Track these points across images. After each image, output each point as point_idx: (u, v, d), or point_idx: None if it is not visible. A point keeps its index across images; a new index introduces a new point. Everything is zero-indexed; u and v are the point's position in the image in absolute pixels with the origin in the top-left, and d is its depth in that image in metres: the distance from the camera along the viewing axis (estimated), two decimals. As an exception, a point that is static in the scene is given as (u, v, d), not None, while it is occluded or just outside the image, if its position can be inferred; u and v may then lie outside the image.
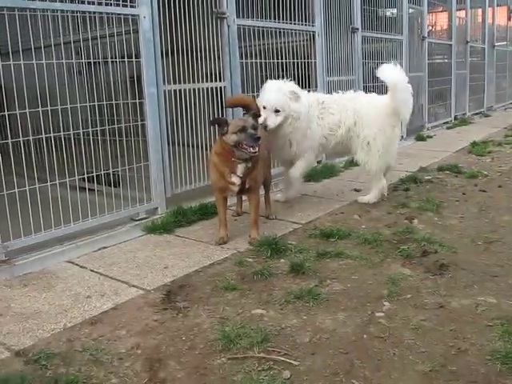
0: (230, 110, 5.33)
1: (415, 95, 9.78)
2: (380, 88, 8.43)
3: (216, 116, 5.26)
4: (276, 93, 4.72)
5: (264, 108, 4.68)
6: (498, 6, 14.63)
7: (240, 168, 4.01)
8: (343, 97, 5.26)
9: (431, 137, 9.85)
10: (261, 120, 4.56)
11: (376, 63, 8.37)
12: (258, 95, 4.94)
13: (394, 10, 9.19)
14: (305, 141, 4.96)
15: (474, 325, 2.80)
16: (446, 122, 11.55)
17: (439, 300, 3.09)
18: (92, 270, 3.72)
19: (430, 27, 11.26)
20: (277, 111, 4.70)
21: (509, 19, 16.06)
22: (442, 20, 11.84)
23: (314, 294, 3.15)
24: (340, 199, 5.43)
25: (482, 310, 2.96)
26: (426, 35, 10.29)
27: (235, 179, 4.04)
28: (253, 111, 4.27)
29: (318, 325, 2.85)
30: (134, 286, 3.43)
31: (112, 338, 2.79)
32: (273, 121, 4.69)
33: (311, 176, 6.07)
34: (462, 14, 12.42)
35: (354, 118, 5.09)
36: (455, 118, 12.02)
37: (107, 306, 3.16)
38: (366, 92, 5.73)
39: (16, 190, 3.82)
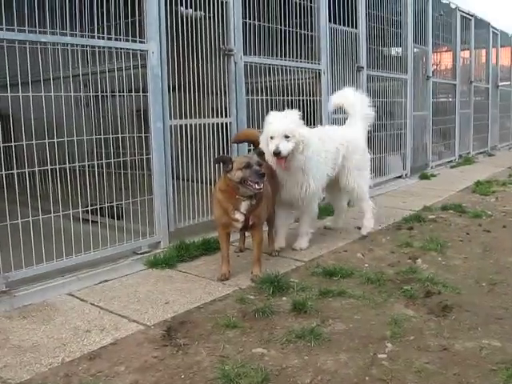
0: (236, 146, 5.37)
1: (419, 134, 9.94)
2: (386, 126, 8.52)
3: (221, 153, 5.28)
4: (282, 120, 4.60)
5: (271, 138, 4.50)
6: (501, 46, 14.80)
7: (244, 205, 4.01)
8: (331, 129, 5.56)
9: (435, 175, 9.86)
10: (272, 148, 4.43)
11: (381, 102, 8.47)
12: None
13: (399, 49, 9.31)
14: (318, 175, 4.91)
15: (477, 368, 2.76)
16: (450, 161, 11.58)
17: (443, 342, 3.05)
18: (92, 304, 3.69)
19: (435, 66, 11.37)
20: (286, 137, 4.49)
21: (512, 60, 16.25)
22: (446, 60, 11.96)
23: (315, 333, 3.11)
24: (343, 237, 5.42)
25: (486, 354, 2.91)
26: (431, 74, 10.39)
27: (239, 216, 4.04)
28: (259, 149, 4.31)
29: (320, 365, 2.81)
30: (134, 320, 3.40)
31: (110, 374, 2.75)
32: (285, 147, 4.45)
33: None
34: (467, 54, 12.56)
35: (347, 146, 5.28)
36: (459, 157, 12.05)
37: (106, 340, 3.12)
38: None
39: (19, 220, 3.82)
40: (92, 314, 3.52)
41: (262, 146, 4.59)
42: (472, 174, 9.96)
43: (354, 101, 5.55)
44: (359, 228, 5.63)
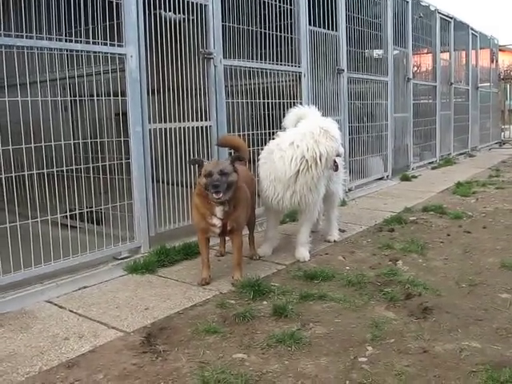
0: (216, 150, 5.33)
1: (400, 135, 9.99)
2: (366, 128, 8.56)
3: (201, 156, 5.22)
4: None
5: None
6: (481, 48, 14.94)
7: (218, 210, 3.98)
8: None
9: (416, 177, 9.90)
10: (335, 149, 4.53)
11: (362, 104, 8.50)
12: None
13: (380, 52, 9.34)
14: (325, 181, 4.92)
15: (457, 370, 2.76)
16: (431, 162, 11.64)
17: (423, 344, 3.05)
18: (71, 311, 3.65)
19: (415, 68, 11.42)
20: None
21: (492, 61, 16.40)
22: (426, 61, 12.03)
23: (296, 337, 3.10)
24: (325, 239, 5.41)
25: (466, 355, 2.92)
26: (411, 76, 10.43)
27: (216, 221, 4.01)
28: (235, 155, 4.28)
29: (300, 370, 2.80)
30: (113, 327, 3.36)
31: (88, 382, 2.71)
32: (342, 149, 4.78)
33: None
34: (446, 56, 12.64)
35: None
36: (440, 158, 12.12)
37: (85, 348, 3.09)
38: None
39: (-4, 226, 3.77)
40: (71, 321, 3.48)
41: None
42: (453, 175, 10.02)
43: (309, 110, 5.13)
44: (340, 230, 5.61)
